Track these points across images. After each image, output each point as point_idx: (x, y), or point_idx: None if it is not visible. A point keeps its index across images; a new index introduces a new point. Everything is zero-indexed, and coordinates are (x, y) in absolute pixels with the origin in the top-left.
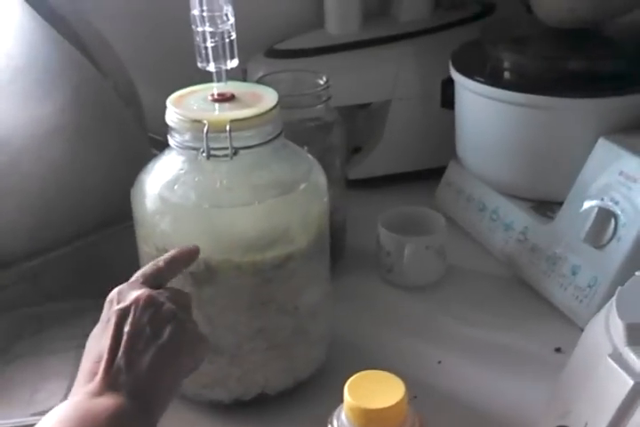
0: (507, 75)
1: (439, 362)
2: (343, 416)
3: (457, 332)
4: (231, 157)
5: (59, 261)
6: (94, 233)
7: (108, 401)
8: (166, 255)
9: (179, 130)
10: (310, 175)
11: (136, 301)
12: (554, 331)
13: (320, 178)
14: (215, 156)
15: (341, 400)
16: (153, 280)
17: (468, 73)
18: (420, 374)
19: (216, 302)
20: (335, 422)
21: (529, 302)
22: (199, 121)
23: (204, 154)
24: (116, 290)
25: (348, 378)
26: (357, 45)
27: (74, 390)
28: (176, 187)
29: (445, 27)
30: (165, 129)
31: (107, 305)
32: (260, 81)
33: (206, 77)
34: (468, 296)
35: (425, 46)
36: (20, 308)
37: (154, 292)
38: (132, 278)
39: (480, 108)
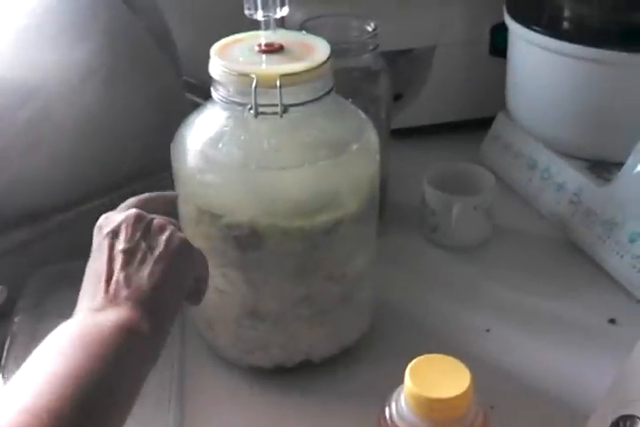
0: (568, 25)
1: (487, 330)
2: (403, 402)
3: (505, 298)
4: (281, 115)
5: (92, 214)
6: (128, 185)
7: (111, 314)
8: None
9: (223, 83)
10: (362, 134)
11: (125, 219)
12: (607, 300)
13: (372, 137)
14: (264, 113)
15: (386, 368)
16: (137, 207)
17: (524, 21)
18: (467, 342)
19: (261, 267)
20: (394, 407)
21: (581, 267)
22: (247, 75)
23: (252, 111)
24: (102, 216)
25: (393, 345)
26: None
27: (75, 311)
28: (220, 145)
29: None
30: (202, 73)
31: (96, 232)
32: (302, 26)
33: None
34: (515, 259)
35: None
36: (51, 264)
37: (140, 210)
38: (118, 208)
39: (537, 59)
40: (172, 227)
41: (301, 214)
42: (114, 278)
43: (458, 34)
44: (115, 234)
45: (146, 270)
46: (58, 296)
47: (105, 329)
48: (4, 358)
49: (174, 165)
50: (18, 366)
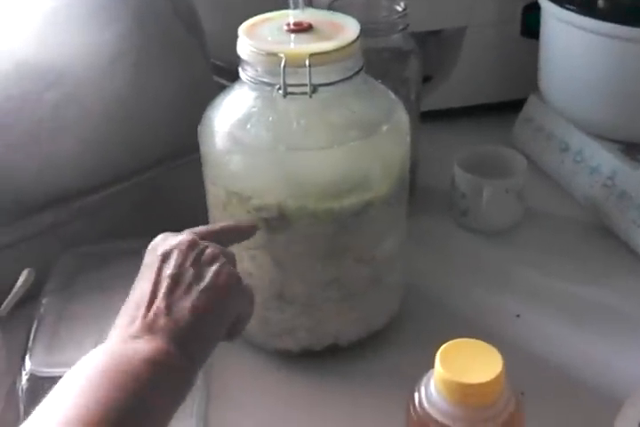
0: (602, 3)
1: (518, 316)
2: (433, 388)
3: (536, 283)
4: (310, 95)
5: (119, 197)
6: (156, 167)
7: (144, 344)
8: (225, 222)
9: (252, 63)
10: (392, 115)
11: (179, 244)
12: None
13: (403, 118)
14: (292, 93)
15: (415, 353)
16: (201, 237)
17: (557, 0)
18: (497, 327)
19: (290, 249)
20: (423, 392)
21: (615, 252)
22: (275, 54)
23: (281, 91)
24: (159, 236)
25: (422, 329)
26: None
27: (111, 334)
28: (249, 126)
29: None
30: (230, 56)
31: (149, 250)
32: (330, 6)
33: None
34: (548, 244)
35: None
36: (80, 245)
37: (197, 237)
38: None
39: (570, 39)
40: (223, 259)
41: (331, 196)
42: (155, 304)
43: (489, 14)
44: (165, 257)
45: (188, 302)
46: (85, 278)
47: (135, 361)
48: (31, 339)
49: (202, 147)
50: (45, 347)
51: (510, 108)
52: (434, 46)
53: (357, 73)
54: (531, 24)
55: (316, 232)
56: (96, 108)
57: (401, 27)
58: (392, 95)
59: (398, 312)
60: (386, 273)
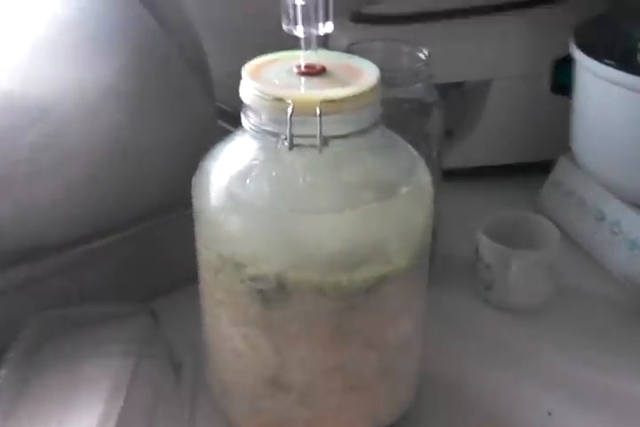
0: None
1: (549, 414)
2: None
3: (570, 372)
4: (320, 149)
5: (103, 253)
6: (147, 220)
7: None
8: None
9: (255, 109)
10: (414, 175)
11: None
12: None
13: (425, 178)
14: (300, 145)
15: None
16: None
17: (594, 53)
18: (526, 425)
19: (288, 328)
20: None
21: None
22: (282, 99)
23: (286, 142)
24: None
25: (439, 424)
26: (458, 14)
27: None
28: (248, 181)
29: None
30: (235, 99)
31: None
32: (348, 50)
33: (289, 41)
34: (582, 326)
35: (537, 19)
36: (54, 307)
37: None
38: None
39: (607, 96)
40: None
41: (339, 268)
42: None
43: (516, 67)
44: None
45: None
46: (54, 346)
47: None
48: None
49: (195, 202)
50: None
51: (539, 169)
52: (456, 99)
53: (375, 125)
54: (562, 79)
55: (319, 309)
56: (81, 151)
57: (423, 76)
58: (414, 152)
59: (412, 404)
60: (399, 360)
